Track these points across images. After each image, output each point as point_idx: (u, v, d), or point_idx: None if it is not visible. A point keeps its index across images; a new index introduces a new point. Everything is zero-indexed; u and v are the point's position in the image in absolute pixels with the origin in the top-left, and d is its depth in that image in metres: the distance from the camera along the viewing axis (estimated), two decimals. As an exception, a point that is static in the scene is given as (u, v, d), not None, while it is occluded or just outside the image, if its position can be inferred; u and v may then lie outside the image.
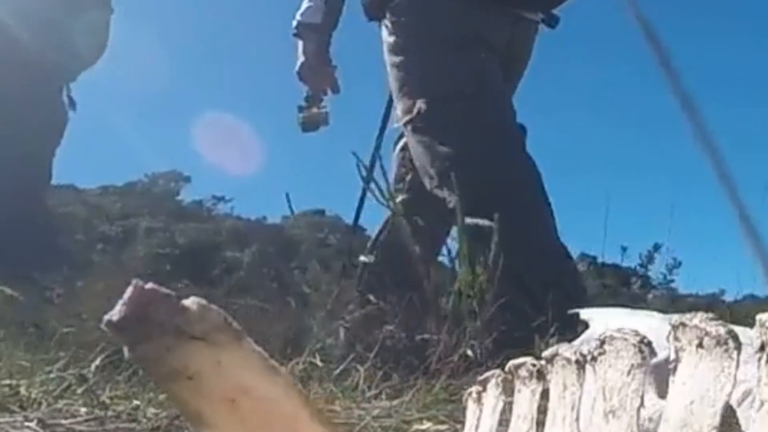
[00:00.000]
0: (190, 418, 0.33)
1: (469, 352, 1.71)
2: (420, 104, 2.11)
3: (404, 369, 1.70)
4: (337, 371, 1.73)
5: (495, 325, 1.77)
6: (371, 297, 1.88)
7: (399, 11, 2.19)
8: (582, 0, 2.30)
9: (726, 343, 0.54)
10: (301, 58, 2.32)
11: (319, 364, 1.73)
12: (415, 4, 2.18)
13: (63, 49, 2.98)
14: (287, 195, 2.19)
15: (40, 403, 1.42)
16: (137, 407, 1.40)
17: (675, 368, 0.58)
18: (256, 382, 0.33)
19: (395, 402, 1.55)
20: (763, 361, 0.51)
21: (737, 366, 0.53)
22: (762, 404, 0.50)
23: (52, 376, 1.56)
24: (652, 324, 0.91)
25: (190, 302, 0.34)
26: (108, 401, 1.50)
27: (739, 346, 0.54)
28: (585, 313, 1.52)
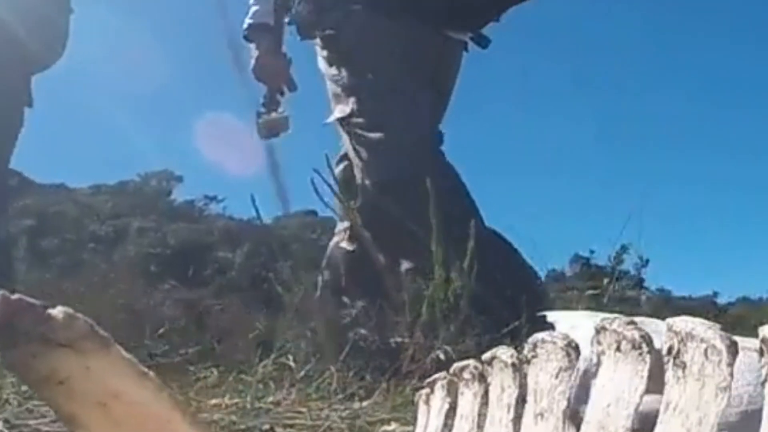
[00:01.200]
0: (66, 421, 0.34)
1: (441, 355, 1.73)
2: (352, 104, 2.17)
3: (376, 371, 1.72)
4: (310, 372, 1.74)
5: (468, 328, 1.78)
6: (345, 299, 1.90)
7: (330, 27, 2.23)
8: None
9: (640, 347, 0.55)
10: (255, 56, 2.34)
11: (292, 365, 1.75)
12: (345, 23, 2.22)
13: (52, 46, 2.98)
14: (252, 197, 2.21)
15: (10, 404, 1.43)
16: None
17: (596, 371, 0.60)
18: (126, 386, 0.35)
19: (365, 404, 1.56)
20: (670, 364, 0.52)
21: (649, 368, 0.55)
22: (668, 405, 0.51)
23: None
24: None
25: (57, 311, 0.35)
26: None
27: (651, 350, 0.55)
28: (551, 316, 1.54)
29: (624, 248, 2.05)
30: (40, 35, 2.74)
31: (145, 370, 0.37)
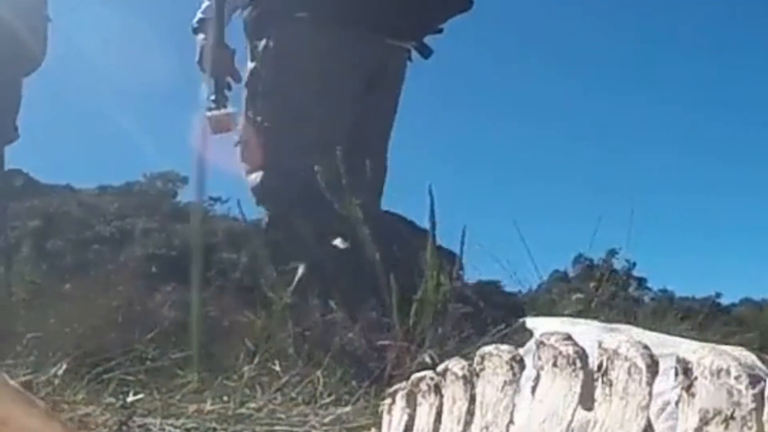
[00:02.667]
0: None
1: (427, 359, 1.73)
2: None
3: (361, 375, 1.72)
4: (297, 377, 1.74)
5: (454, 333, 1.78)
6: (332, 304, 1.91)
7: (271, 37, 2.26)
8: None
9: (574, 363, 0.56)
10: (200, 48, 2.38)
11: (278, 369, 1.75)
12: (286, 32, 2.25)
13: (41, 48, 2.99)
14: (239, 202, 2.24)
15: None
16: (87, 414, 1.42)
17: (535, 386, 0.60)
18: (12, 413, 0.35)
19: (347, 408, 1.56)
20: (599, 381, 0.52)
21: (582, 385, 0.55)
22: (595, 422, 0.51)
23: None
24: (586, 332, 0.92)
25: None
26: (66, 406, 1.52)
27: (585, 366, 0.55)
28: (531, 322, 1.54)
29: (612, 252, 2.05)
30: (34, 37, 2.77)
31: (32, 396, 0.38)
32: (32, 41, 2.71)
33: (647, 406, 0.47)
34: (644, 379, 0.47)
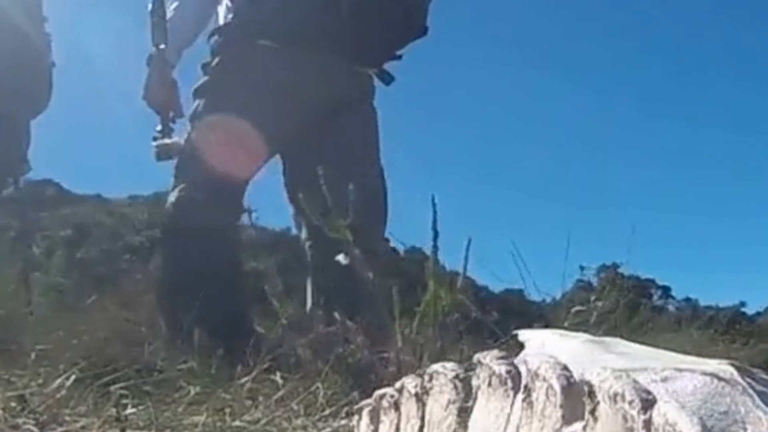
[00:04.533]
0: None
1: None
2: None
3: (362, 387, 1.71)
4: (299, 388, 1.74)
5: (455, 345, 1.77)
6: (335, 314, 1.90)
7: (227, 66, 2.29)
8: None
9: (506, 383, 0.55)
10: (144, 83, 2.42)
11: (279, 380, 1.75)
12: (240, 55, 2.27)
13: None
14: (248, 212, 2.26)
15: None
16: (84, 426, 1.44)
17: (472, 407, 0.59)
18: None
19: (344, 421, 1.56)
20: (524, 403, 0.51)
21: (512, 405, 0.54)
22: (518, 445, 0.51)
23: (10, 394, 1.60)
24: (576, 345, 0.91)
25: None
26: (68, 418, 1.54)
27: (516, 386, 0.55)
28: (523, 334, 1.53)
29: (615, 265, 2.03)
30: (40, 83, 2.84)
31: None
32: (39, 87, 2.78)
33: (560, 430, 0.46)
34: (558, 401, 0.46)
